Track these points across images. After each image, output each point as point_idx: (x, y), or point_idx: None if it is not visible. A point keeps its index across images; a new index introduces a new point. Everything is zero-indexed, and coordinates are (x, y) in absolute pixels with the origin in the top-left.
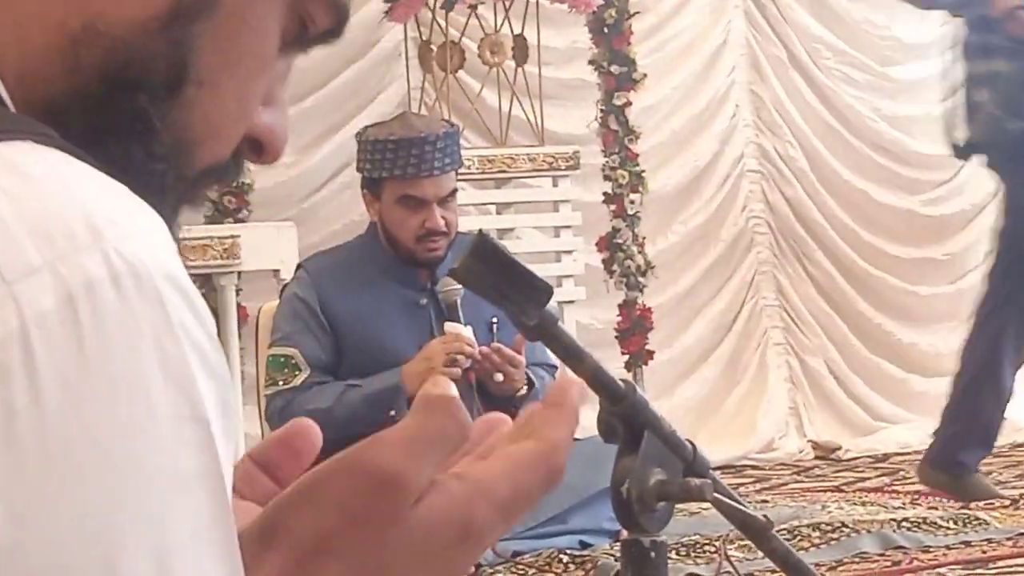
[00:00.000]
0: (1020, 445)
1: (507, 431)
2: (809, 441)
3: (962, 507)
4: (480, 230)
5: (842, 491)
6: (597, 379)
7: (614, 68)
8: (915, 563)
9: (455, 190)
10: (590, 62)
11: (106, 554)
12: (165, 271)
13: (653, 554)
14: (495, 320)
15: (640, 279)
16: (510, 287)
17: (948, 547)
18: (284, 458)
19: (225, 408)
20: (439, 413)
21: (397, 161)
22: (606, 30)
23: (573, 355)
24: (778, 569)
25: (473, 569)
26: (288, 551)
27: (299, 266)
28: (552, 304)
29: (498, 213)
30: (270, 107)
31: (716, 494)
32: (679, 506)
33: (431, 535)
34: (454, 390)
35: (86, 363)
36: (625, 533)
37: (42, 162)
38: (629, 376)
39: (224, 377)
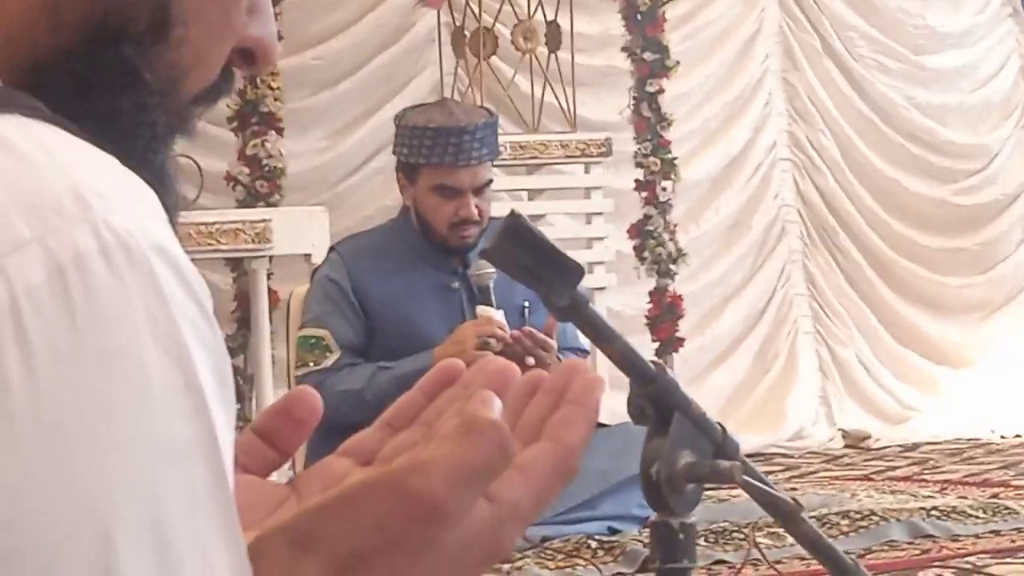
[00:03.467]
0: None
1: (534, 410)
2: (839, 430)
3: (991, 496)
4: (512, 210)
5: (871, 480)
6: (627, 360)
7: (647, 55)
8: (944, 552)
9: (490, 180)
10: (623, 49)
11: (102, 526)
12: (155, 243)
13: (682, 536)
14: (527, 304)
15: (671, 266)
16: (541, 267)
17: (977, 536)
18: (285, 427)
19: (220, 377)
20: (486, 442)
21: (435, 149)
22: (639, 17)
23: (604, 336)
24: (807, 553)
25: None
26: (325, 561)
27: (331, 248)
28: (582, 286)
29: (530, 199)
30: (254, 15)
31: (745, 476)
32: (708, 492)
33: (462, 557)
34: (500, 409)
35: (78, 336)
36: (654, 516)
37: (30, 136)
38: None
39: (217, 347)
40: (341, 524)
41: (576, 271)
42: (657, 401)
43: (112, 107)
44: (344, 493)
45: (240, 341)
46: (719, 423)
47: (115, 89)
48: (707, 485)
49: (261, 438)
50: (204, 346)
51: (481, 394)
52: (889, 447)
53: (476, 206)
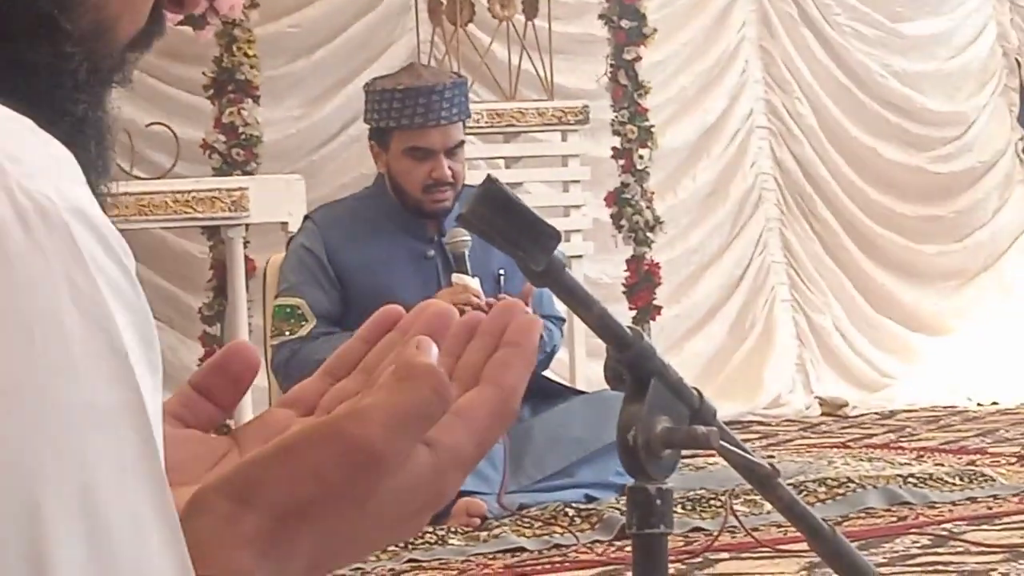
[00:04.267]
0: None
1: (475, 352)
2: (816, 398)
3: (968, 463)
4: (489, 175)
5: (848, 447)
6: (604, 326)
7: (624, 22)
8: (921, 519)
9: (462, 141)
10: (600, 16)
11: (27, 493)
12: (73, 206)
13: (659, 501)
14: (502, 272)
15: (648, 234)
16: (518, 232)
17: (954, 503)
18: (222, 383)
19: (145, 340)
20: (422, 387)
21: (404, 111)
22: None
23: (580, 301)
24: (785, 520)
25: (479, 522)
26: (265, 512)
27: (307, 217)
28: (559, 251)
29: (507, 167)
30: None
31: (722, 442)
32: (684, 460)
33: (403, 505)
34: (436, 355)
35: None
36: (631, 483)
37: None
38: None
39: (142, 309)
40: (280, 475)
41: (553, 236)
42: (634, 367)
43: (29, 58)
44: (282, 444)
45: (217, 309)
46: (696, 389)
47: (32, 39)
48: (684, 451)
49: (200, 394)
50: (128, 308)
51: (417, 339)
52: (866, 415)
53: (449, 167)
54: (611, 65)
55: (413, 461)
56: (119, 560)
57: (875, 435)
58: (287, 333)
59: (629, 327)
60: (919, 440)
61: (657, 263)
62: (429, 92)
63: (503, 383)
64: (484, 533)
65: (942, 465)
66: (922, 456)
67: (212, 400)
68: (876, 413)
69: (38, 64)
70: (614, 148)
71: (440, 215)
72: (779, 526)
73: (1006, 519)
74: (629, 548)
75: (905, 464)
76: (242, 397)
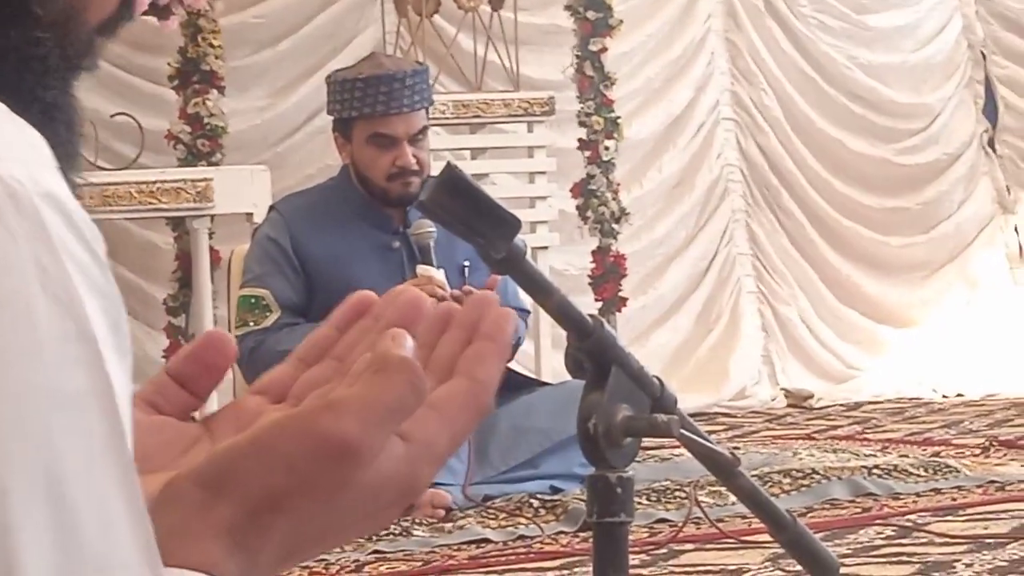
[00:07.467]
0: (991, 395)
1: (445, 346)
2: (782, 389)
3: (932, 455)
4: (449, 162)
5: (814, 439)
6: (565, 314)
7: (590, 14)
8: (885, 510)
9: (426, 128)
10: (566, 7)
11: None
12: (43, 190)
13: (619, 490)
14: (467, 263)
15: (614, 226)
16: (478, 220)
17: (918, 494)
18: (198, 371)
19: (114, 325)
20: (397, 380)
21: (366, 100)
22: None
23: (541, 289)
24: (749, 512)
25: (444, 513)
26: (238, 503)
27: (272, 207)
28: (520, 239)
29: (472, 158)
30: None
31: (683, 430)
32: (650, 451)
33: (377, 497)
34: (411, 347)
35: None
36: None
37: None
38: None
39: (111, 294)
40: (253, 466)
41: (513, 224)
42: (594, 355)
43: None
44: (256, 435)
45: (182, 300)
46: (657, 377)
47: (1, 24)
48: (647, 441)
49: (175, 381)
50: (97, 293)
51: (392, 331)
52: (831, 406)
53: (413, 155)
54: (577, 56)
55: (387, 454)
56: (85, 544)
57: (840, 427)
58: (251, 324)
59: (590, 315)
60: (884, 431)
61: (623, 254)
62: (391, 80)
63: (477, 376)
64: (449, 524)
65: (907, 456)
66: (887, 447)
67: (187, 388)
68: (841, 405)
69: (7, 49)
70: (580, 139)
71: (406, 201)
72: (743, 517)
73: (970, 510)
74: None
75: (870, 455)
76: (216, 385)
